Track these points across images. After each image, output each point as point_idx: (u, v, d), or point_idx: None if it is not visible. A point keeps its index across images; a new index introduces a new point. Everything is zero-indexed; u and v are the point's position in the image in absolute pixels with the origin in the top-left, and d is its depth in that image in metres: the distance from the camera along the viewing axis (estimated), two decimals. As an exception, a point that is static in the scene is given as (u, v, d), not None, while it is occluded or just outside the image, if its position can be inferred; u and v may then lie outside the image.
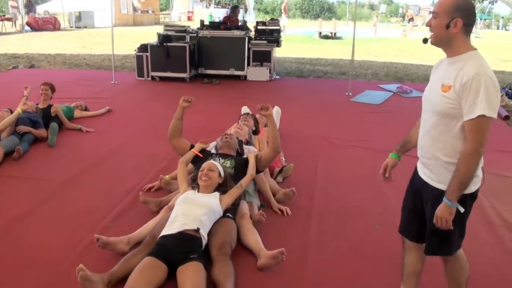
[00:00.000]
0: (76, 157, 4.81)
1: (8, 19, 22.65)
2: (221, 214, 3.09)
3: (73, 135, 5.58)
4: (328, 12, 50.93)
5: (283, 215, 3.63)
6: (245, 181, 3.36)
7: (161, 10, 38.43)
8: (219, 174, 3.26)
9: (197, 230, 2.83)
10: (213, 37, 9.59)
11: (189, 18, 35.08)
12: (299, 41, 19.71)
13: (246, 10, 33.59)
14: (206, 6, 36.08)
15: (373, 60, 13.75)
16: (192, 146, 3.78)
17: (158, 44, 9.24)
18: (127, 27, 25.96)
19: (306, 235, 3.35)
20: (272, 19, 11.10)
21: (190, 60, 9.27)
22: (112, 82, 9.20)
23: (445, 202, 2.03)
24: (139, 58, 9.57)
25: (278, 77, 10.28)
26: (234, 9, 10.62)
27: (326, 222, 3.56)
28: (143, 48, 9.50)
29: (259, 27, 10.20)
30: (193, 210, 2.95)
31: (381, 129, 6.20)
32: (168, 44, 9.23)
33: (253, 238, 3.09)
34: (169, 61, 9.30)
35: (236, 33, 9.50)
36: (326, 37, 22.19)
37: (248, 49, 9.51)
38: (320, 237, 3.33)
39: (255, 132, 4.59)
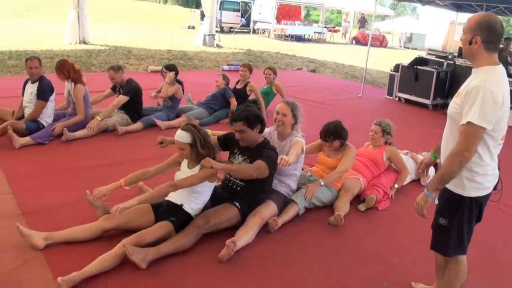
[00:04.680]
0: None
1: (336, 31, 26.10)
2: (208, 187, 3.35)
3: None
4: None
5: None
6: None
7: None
8: (190, 145, 3.23)
9: (181, 205, 3.26)
10: (467, 66, 8.86)
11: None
12: None
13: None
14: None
15: None
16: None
17: (409, 65, 9.29)
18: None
19: (300, 256, 3.31)
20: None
21: (436, 86, 8.93)
22: (359, 95, 9.87)
23: (425, 191, 2.37)
24: (391, 77, 9.86)
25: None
26: (507, 41, 9.36)
27: (337, 257, 3.36)
28: (396, 67, 9.72)
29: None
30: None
31: None
32: (418, 67, 9.15)
33: (239, 233, 3.30)
34: (417, 84, 9.21)
35: (494, 65, 8.47)
36: None
37: (506, 85, 8.34)
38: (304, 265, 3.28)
39: None
